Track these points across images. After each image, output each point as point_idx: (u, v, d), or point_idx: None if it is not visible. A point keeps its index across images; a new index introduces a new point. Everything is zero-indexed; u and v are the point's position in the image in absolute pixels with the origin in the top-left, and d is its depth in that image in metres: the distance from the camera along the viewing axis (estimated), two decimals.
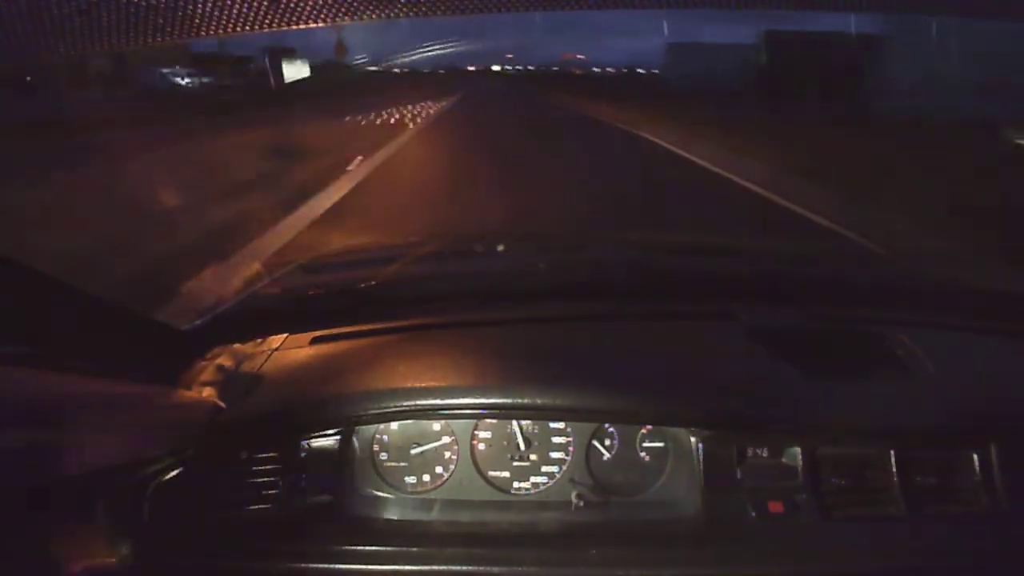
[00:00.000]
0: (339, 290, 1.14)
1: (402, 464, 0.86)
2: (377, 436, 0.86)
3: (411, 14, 0.66)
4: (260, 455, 0.82)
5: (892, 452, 0.80)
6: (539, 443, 0.86)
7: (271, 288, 1.20)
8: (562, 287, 1.09)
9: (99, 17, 0.57)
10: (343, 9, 0.63)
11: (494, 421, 0.85)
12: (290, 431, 0.83)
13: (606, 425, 0.85)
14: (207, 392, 0.82)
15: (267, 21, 0.62)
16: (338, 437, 0.82)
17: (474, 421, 0.85)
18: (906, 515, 0.77)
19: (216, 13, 0.59)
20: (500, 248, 1.58)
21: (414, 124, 12.77)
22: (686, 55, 27.90)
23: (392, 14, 0.67)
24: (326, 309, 1.04)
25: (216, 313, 1.00)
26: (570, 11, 0.66)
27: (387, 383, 0.82)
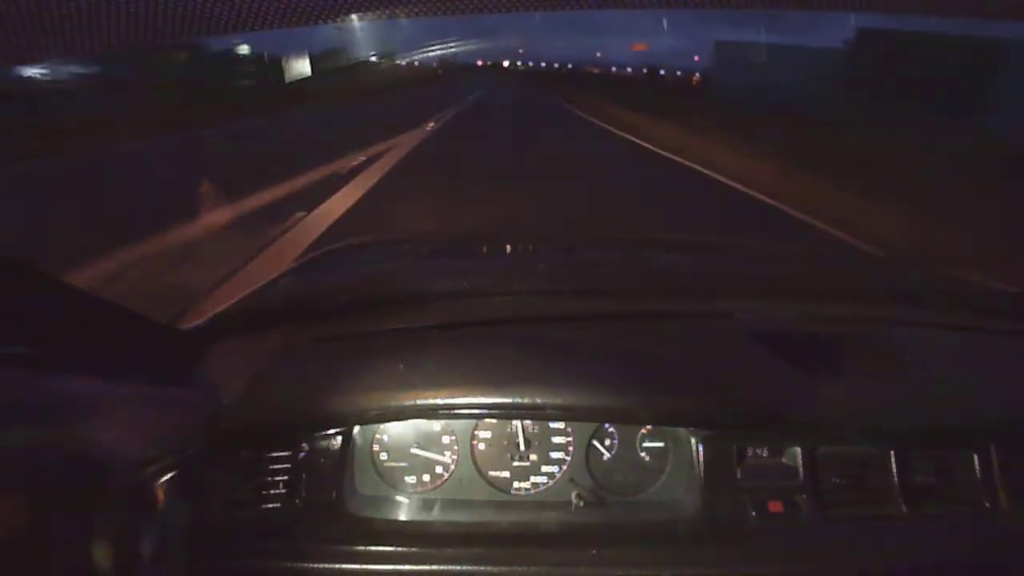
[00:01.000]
0: (339, 290, 1.13)
1: (402, 464, 0.86)
2: (377, 436, 0.86)
3: (411, 14, 0.66)
4: (260, 455, 0.82)
5: (892, 452, 0.80)
6: (539, 443, 0.86)
7: (271, 288, 1.20)
8: (562, 287, 1.09)
9: (97, 17, 0.57)
10: (342, 8, 0.63)
11: (494, 421, 0.85)
12: (290, 431, 0.83)
13: (606, 425, 0.85)
14: (207, 392, 0.82)
15: (269, 20, 0.62)
16: (338, 437, 0.82)
17: (474, 421, 0.85)
18: (906, 515, 0.78)
19: (217, 12, 0.59)
20: (500, 248, 1.58)
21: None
22: (739, 57, 20.49)
23: (392, 14, 0.67)
24: (326, 309, 1.04)
25: (216, 313, 1.00)
26: (571, 11, 0.66)
27: (387, 383, 0.82)
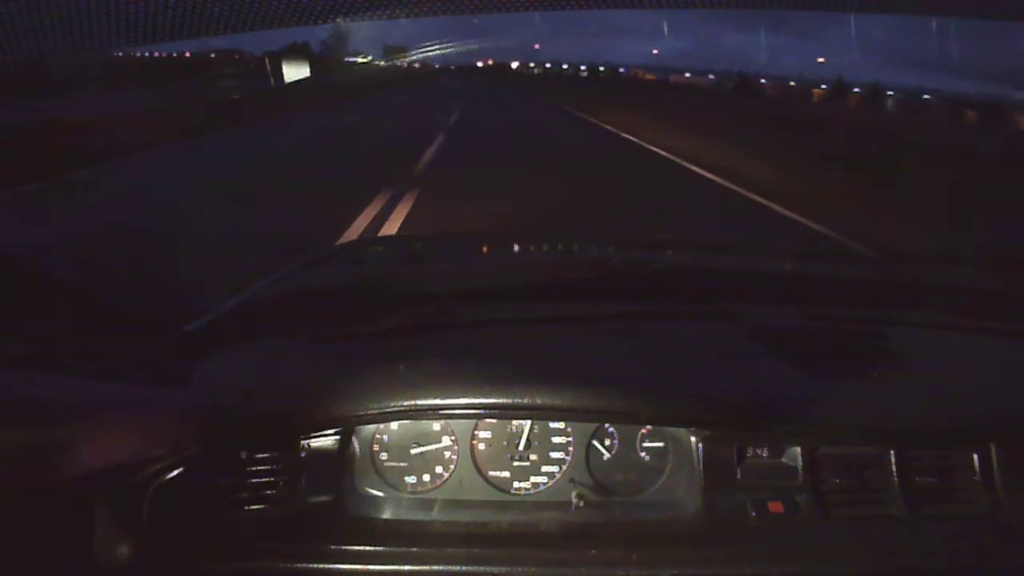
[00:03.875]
0: (339, 290, 1.14)
1: (402, 464, 0.86)
2: (377, 436, 0.86)
3: (413, 14, 0.66)
4: (260, 455, 0.82)
5: (892, 452, 0.80)
6: (539, 443, 0.86)
7: (271, 288, 1.20)
8: (562, 287, 1.09)
9: (97, 20, 0.57)
10: (343, 8, 0.63)
11: (494, 421, 0.85)
12: (290, 431, 0.82)
13: (606, 425, 0.85)
14: (207, 392, 0.82)
15: (269, 20, 0.62)
16: (338, 437, 0.82)
17: (474, 421, 0.86)
18: (906, 515, 0.78)
19: (218, 13, 0.59)
20: (500, 248, 1.59)
21: None
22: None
23: (392, 14, 0.67)
24: (326, 309, 1.04)
25: (216, 313, 1.00)
26: (571, 11, 0.66)
27: (387, 383, 0.82)
